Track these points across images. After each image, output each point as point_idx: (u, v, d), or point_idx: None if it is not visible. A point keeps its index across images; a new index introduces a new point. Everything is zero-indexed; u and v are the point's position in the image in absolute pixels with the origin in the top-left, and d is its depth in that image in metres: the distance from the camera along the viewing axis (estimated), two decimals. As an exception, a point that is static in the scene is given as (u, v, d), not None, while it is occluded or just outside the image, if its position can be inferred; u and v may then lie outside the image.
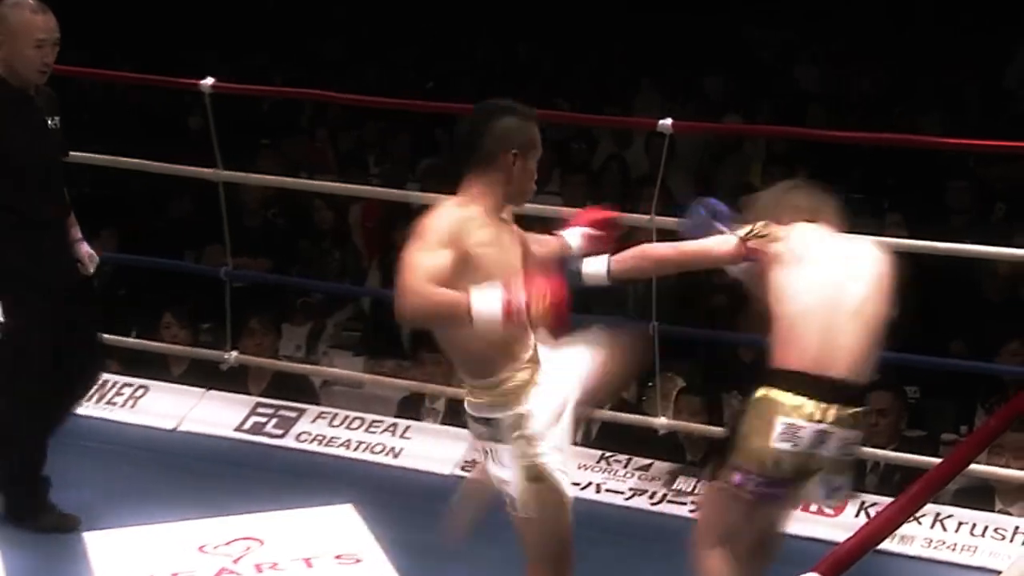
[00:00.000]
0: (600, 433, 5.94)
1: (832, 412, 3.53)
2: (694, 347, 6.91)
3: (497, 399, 3.40)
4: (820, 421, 3.53)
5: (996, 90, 9.98)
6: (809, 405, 3.53)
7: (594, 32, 11.63)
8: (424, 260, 3.19)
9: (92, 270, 4.59)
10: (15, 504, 4.58)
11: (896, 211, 7.64)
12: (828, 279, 3.63)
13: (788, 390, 3.54)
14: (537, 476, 3.39)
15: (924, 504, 2.40)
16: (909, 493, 2.34)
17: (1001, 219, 7.92)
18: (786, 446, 3.53)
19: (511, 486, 3.41)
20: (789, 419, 3.52)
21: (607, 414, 5.83)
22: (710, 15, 11.40)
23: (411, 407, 6.26)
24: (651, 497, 5.08)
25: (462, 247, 3.26)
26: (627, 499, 5.09)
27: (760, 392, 3.58)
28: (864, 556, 2.17)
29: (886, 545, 4.62)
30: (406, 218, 8.36)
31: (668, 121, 5.08)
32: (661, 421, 5.33)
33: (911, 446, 5.56)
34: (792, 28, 11.54)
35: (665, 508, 4.93)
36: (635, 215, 5.24)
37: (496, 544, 3.82)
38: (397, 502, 4.94)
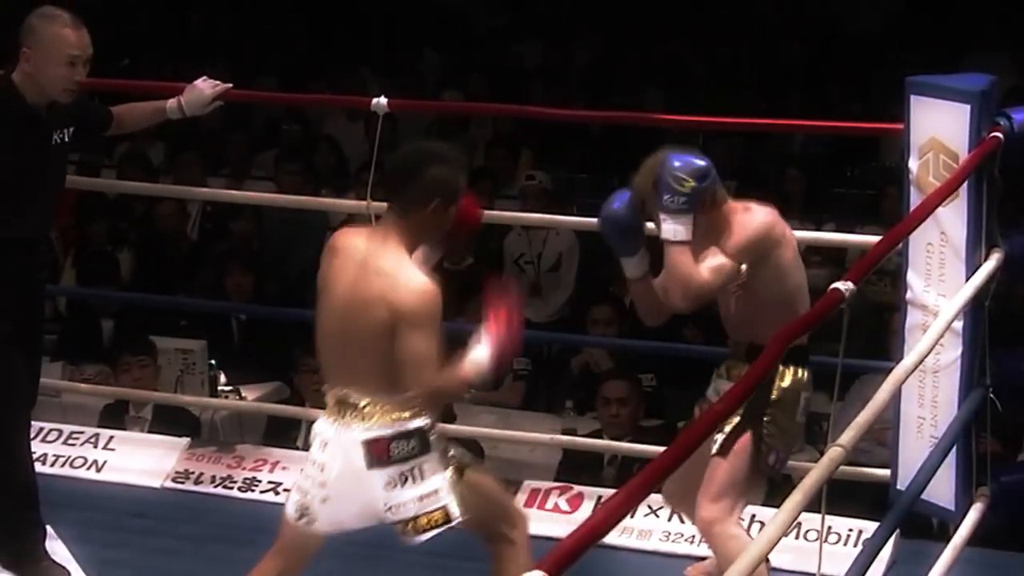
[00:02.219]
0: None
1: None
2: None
3: (415, 410, 3.59)
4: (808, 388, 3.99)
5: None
6: (808, 375, 3.96)
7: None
8: (432, 353, 3.50)
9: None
10: (17, 537, 4.34)
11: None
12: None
13: (804, 365, 3.94)
14: (458, 468, 3.65)
15: (649, 494, 2.42)
16: (633, 483, 2.36)
17: (731, 196, 8.13)
18: (803, 419, 3.99)
19: (439, 495, 3.60)
20: (807, 393, 3.96)
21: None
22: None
23: (115, 416, 6.09)
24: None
25: None
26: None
27: (788, 371, 3.93)
28: (590, 548, 2.18)
29: (624, 541, 4.71)
30: (102, 210, 8.19)
31: (383, 100, 5.03)
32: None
33: (648, 436, 5.66)
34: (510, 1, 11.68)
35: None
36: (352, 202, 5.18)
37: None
38: (102, 520, 4.81)
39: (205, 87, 4.75)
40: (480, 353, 3.56)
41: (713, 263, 3.87)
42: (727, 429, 3.92)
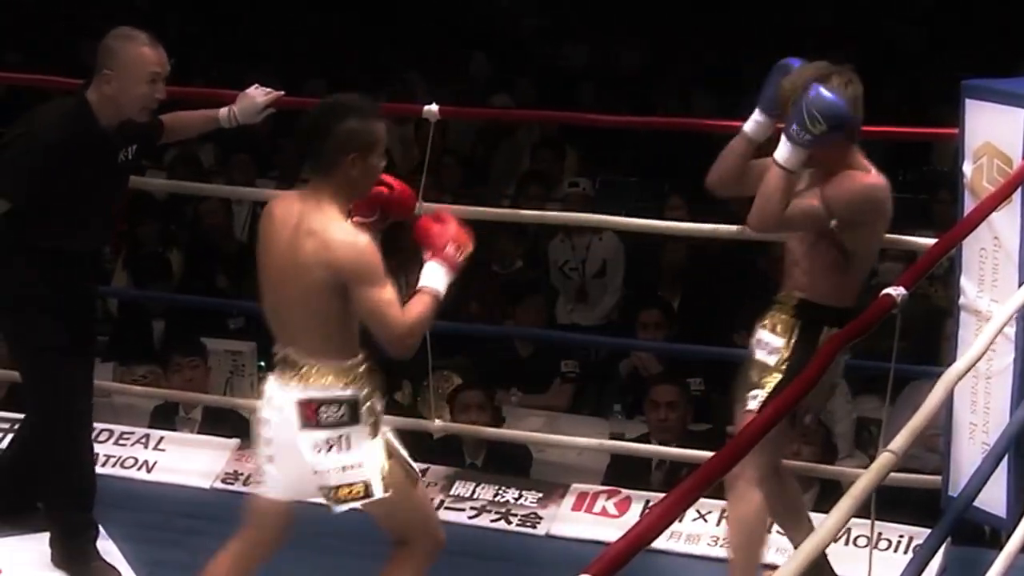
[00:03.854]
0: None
1: None
2: (469, 342, 6.91)
3: (352, 380, 3.64)
4: None
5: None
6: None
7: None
8: (390, 295, 3.57)
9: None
10: (71, 536, 4.41)
11: (676, 193, 7.76)
12: None
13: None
14: (390, 452, 3.68)
15: (698, 498, 2.42)
16: (682, 487, 2.36)
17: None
18: (836, 380, 4.06)
19: (363, 469, 3.62)
20: (842, 355, 3.85)
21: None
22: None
23: (165, 417, 6.12)
24: (427, 504, 5.04)
25: None
26: (401, 508, 5.04)
27: (826, 332, 3.96)
28: (638, 553, 2.18)
29: (672, 545, 4.70)
30: (153, 212, 8.25)
31: (434, 107, 5.04)
32: (436, 424, 5.30)
33: (696, 441, 5.64)
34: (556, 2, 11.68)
35: (443, 515, 4.90)
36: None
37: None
38: (152, 520, 4.84)
39: (257, 95, 4.76)
40: (429, 268, 3.65)
41: (804, 203, 3.94)
42: (769, 388, 3.99)
